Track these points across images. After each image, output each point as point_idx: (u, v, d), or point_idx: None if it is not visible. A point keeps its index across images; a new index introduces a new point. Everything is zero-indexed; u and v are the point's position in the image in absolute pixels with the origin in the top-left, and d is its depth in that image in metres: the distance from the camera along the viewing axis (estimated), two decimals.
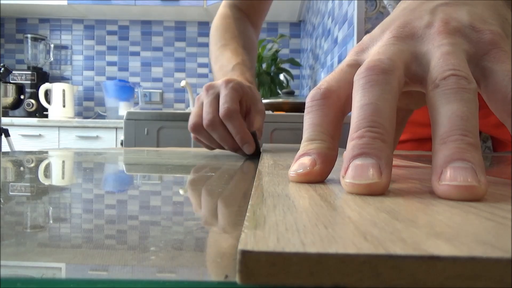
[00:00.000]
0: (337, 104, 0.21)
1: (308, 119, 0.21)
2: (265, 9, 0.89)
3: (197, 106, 0.56)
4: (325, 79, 0.22)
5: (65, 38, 3.02)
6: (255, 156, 0.55)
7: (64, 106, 2.64)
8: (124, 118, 1.48)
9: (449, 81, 0.18)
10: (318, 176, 0.19)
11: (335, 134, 0.20)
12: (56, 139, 2.43)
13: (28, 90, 2.70)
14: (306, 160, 0.19)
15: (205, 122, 0.53)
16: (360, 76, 0.19)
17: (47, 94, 2.64)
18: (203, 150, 0.69)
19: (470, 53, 0.21)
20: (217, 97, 0.54)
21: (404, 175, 0.23)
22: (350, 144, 0.17)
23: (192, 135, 0.58)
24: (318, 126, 0.20)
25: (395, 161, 0.34)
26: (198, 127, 0.54)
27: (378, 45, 0.22)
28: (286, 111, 1.65)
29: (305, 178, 0.19)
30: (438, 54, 0.20)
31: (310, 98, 0.21)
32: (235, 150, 0.56)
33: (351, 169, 0.16)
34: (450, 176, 0.15)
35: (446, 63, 0.19)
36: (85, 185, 0.29)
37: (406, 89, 0.22)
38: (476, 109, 0.17)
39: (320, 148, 0.19)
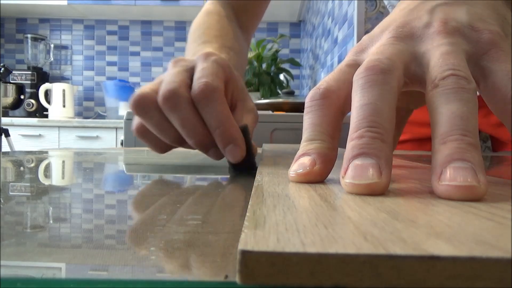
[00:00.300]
0: (337, 104, 0.21)
1: (308, 119, 0.21)
2: (258, 12, 0.71)
3: (152, 83, 0.35)
4: (324, 79, 0.22)
5: (65, 38, 3.02)
6: (246, 168, 0.33)
7: (64, 106, 2.64)
8: (124, 118, 1.48)
9: (449, 81, 0.18)
10: (318, 176, 0.19)
11: (334, 134, 0.20)
12: (56, 139, 2.43)
13: (28, 90, 2.70)
14: (306, 160, 0.19)
15: (161, 94, 0.32)
16: (359, 76, 0.19)
17: (47, 94, 2.64)
18: None
19: (469, 53, 0.21)
20: (189, 70, 0.35)
21: (404, 175, 0.23)
22: (350, 144, 0.17)
23: (134, 122, 0.36)
24: (317, 126, 0.20)
25: (395, 161, 0.34)
26: (145, 103, 0.32)
27: (377, 45, 0.22)
28: (286, 111, 1.65)
29: (305, 178, 0.19)
30: (438, 54, 0.20)
31: (309, 98, 0.21)
32: (205, 149, 0.34)
33: (350, 169, 0.16)
34: (450, 176, 0.15)
35: (445, 63, 0.19)
36: (85, 185, 0.29)
37: (406, 89, 0.22)
38: (476, 109, 0.17)
39: (320, 148, 0.19)
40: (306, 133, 0.20)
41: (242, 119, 0.37)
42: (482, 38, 0.21)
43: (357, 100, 0.19)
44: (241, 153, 0.32)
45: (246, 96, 0.40)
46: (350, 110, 0.20)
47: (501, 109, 0.19)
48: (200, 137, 0.33)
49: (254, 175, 0.23)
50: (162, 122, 0.33)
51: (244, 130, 0.33)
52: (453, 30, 0.21)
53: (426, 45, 0.21)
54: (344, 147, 0.18)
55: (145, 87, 0.34)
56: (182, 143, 0.35)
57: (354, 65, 0.22)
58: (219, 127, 0.31)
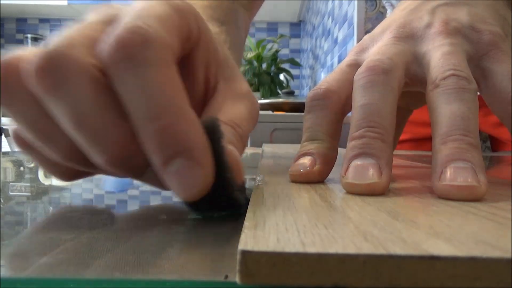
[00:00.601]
0: (337, 104, 0.21)
1: (308, 119, 0.21)
2: None
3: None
4: (325, 79, 0.22)
5: None
6: (217, 209, 0.16)
7: None
8: None
9: (450, 81, 0.18)
10: (318, 176, 0.19)
11: (334, 134, 0.20)
12: None
13: None
14: (306, 160, 0.19)
15: (37, 60, 0.14)
16: (360, 76, 0.19)
17: None
18: None
19: (470, 53, 0.21)
20: (108, 22, 0.16)
21: (404, 175, 0.23)
22: (350, 144, 0.17)
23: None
24: (318, 126, 0.20)
25: (395, 161, 0.34)
26: (8, 78, 0.15)
27: (378, 45, 0.22)
28: (286, 111, 1.65)
29: (305, 178, 0.19)
30: (439, 54, 0.20)
31: (310, 98, 0.21)
32: (134, 173, 0.16)
33: (351, 169, 0.16)
34: (450, 176, 0.15)
35: (446, 63, 0.19)
36: (85, 185, 0.29)
37: (406, 90, 0.22)
38: (476, 109, 0.17)
39: (320, 148, 0.19)
40: (306, 133, 0.20)
41: (228, 111, 0.19)
42: (483, 39, 0.21)
43: (358, 100, 0.19)
44: (202, 180, 0.14)
45: (234, 74, 0.21)
46: (350, 110, 0.20)
47: (502, 109, 0.19)
48: (117, 147, 0.15)
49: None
50: (40, 117, 0.16)
51: (212, 128, 0.15)
52: (454, 31, 0.21)
53: (427, 45, 0.21)
54: (344, 147, 0.19)
55: (23, 50, 0.16)
56: (89, 164, 0.17)
57: (355, 65, 0.22)
58: (154, 119, 0.14)
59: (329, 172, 0.20)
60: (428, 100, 0.19)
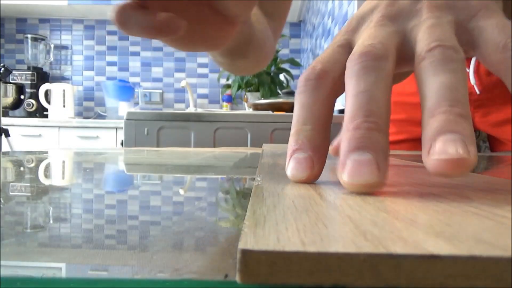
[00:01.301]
0: (330, 85, 0.21)
1: (301, 99, 0.20)
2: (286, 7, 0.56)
3: None
4: (318, 60, 0.22)
5: (65, 38, 3.03)
6: None
7: (64, 106, 2.64)
8: (124, 118, 1.48)
9: (436, 52, 0.18)
10: (317, 177, 0.19)
11: (327, 116, 0.20)
12: (56, 139, 2.43)
13: (28, 90, 2.70)
14: (303, 163, 0.18)
15: None
16: (354, 63, 0.19)
17: (47, 94, 2.64)
18: (204, 150, 0.68)
19: (458, 21, 0.20)
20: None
21: (403, 175, 0.23)
22: (346, 135, 0.17)
23: None
24: (310, 107, 0.20)
25: (395, 161, 0.34)
26: None
27: (369, 26, 0.22)
28: (286, 111, 1.65)
29: (305, 181, 0.19)
30: (424, 28, 0.20)
31: (304, 77, 0.21)
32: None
33: (348, 166, 0.16)
34: (439, 149, 0.15)
35: (430, 36, 0.19)
36: (85, 185, 0.29)
37: (398, 71, 0.21)
38: (465, 79, 0.17)
39: (313, 138, 0.19)
40: (299, 115, 0.20)
41: None
42: (470, 3, 0.21)
43: (352, 87, 0.18)
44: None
45: None
46: (342, 92, 0.20)
47: (496, 61, 0.19)
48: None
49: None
50: None
51: None
52: (441, 3, 0.21)
53: (414, 22, 0.21)
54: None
55: None
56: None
57: (346, 45, 0.22)
58: None
59: (325, 163, 0.19)
60: (416, 75, 0.18)
